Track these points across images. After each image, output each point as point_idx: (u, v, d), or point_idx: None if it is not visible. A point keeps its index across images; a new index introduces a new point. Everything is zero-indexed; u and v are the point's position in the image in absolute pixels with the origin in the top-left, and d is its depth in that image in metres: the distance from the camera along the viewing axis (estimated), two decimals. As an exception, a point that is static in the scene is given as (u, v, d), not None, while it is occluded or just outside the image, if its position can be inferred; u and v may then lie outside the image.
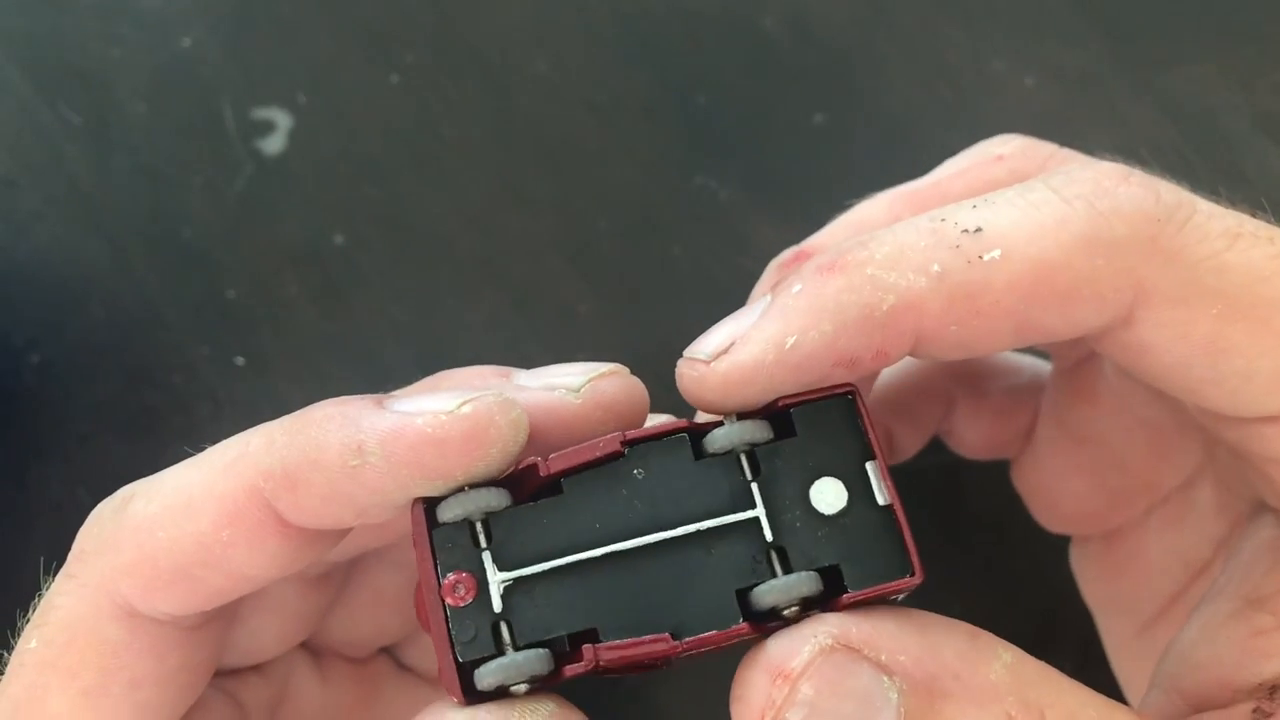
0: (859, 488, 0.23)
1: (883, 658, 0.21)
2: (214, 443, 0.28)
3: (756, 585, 0.22)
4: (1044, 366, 0.33)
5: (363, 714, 0.31)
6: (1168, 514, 0.30)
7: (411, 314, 0.38)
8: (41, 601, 0.25)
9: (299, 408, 0.28)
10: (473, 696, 0.22)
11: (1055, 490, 0.32)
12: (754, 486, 0.23)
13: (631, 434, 0.23)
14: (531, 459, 0.23)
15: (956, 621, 0.23)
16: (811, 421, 0.23)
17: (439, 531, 0.22)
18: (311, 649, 0.31)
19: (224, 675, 0.28)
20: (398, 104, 0.39)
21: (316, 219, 0.39)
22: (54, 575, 0.25)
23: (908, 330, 0.23)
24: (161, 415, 0.38)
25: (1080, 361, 0.31)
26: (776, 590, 0.22)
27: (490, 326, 0.38)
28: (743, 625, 0.22)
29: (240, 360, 0.38)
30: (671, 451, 0.23)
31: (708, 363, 0.23)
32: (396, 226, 0.39)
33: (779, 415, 0.23)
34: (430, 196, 0.39)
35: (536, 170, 0.39)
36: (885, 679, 0.21)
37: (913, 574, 0.22)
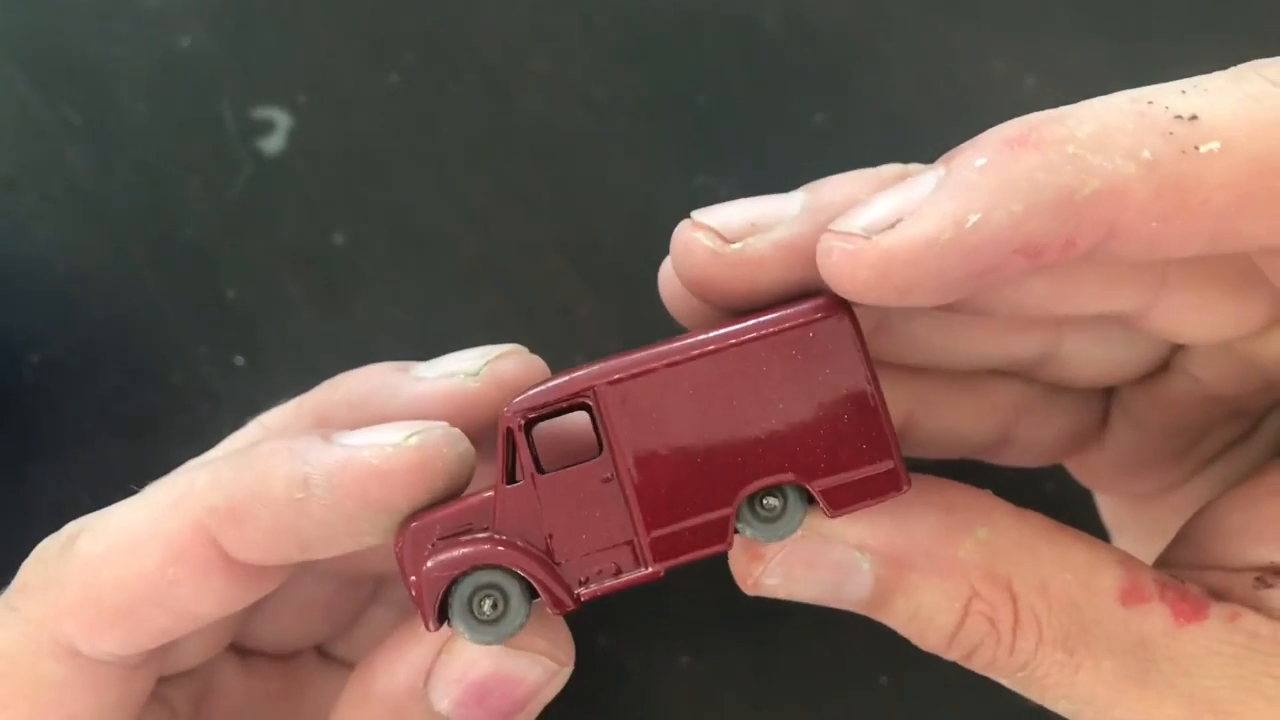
0: None
1: (851, 540, 0.23)
2: (214, 443, 0.28)
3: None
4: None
5: (287, 704, 0.31)
6: (1235, 450, 0.30)
7: (411, 314, 0.38)
8: None
9: (299, 407, 0.29)
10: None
11: (1137, 476, 0.31)
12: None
13: (673, 564, 0.23)
14: (569, 607, 0.23)
15: (942, 488, 0.24)
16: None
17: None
18: (236, 646, 0.30)
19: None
20: (398, 104, 0.39)
21: (316, 219, 0.39)
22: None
23: (1106, 220, 0.20)
24: (161, 415, 0.38)
25: (1153, 374, 0.29)
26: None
27: (490, 326, 0.38)
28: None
29: (240, 360, 0.38)
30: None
31: (866, 237, 0.21)
32: (396, 226, 0.39)
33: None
34: (430, 196, 0.39)
35: (536, 170, 0.39)
36: (857, 553, 0.23)
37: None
